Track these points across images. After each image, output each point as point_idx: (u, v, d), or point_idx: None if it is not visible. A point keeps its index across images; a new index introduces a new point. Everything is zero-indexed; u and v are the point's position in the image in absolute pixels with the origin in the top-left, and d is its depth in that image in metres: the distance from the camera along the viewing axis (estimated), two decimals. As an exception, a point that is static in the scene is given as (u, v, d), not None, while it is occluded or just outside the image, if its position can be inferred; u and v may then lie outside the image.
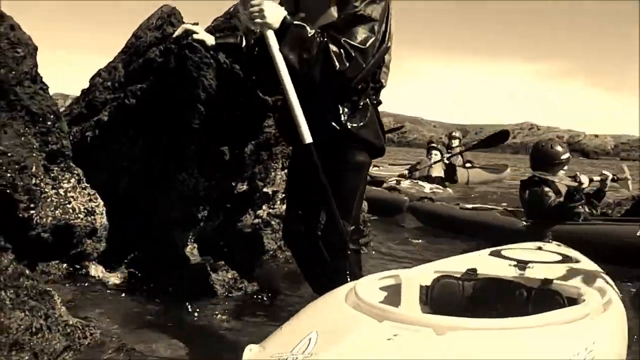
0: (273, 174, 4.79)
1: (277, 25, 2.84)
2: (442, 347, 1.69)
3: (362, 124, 3.04)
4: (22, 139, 3.70)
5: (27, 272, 3.02)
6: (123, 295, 4.00)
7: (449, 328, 1.76)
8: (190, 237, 4.12)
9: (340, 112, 2.98)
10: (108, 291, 4.06)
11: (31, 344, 2.73)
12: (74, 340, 2.93)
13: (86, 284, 4.07)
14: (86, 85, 5.14)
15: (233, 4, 4.52)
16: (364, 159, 3.14)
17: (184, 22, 4.91)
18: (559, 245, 3.44)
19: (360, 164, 3.12)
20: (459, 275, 2.72)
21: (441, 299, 2.67)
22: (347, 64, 2.80)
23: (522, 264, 2.89)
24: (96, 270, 4.13)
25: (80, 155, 4.50)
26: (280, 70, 2.78)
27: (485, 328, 1.78)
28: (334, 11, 2.94)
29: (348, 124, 3.00)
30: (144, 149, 4.26)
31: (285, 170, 4.89)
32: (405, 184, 10.01)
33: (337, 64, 2.79)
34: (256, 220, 4.76)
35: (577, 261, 3.08)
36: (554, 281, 2.55)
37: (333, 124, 2.98)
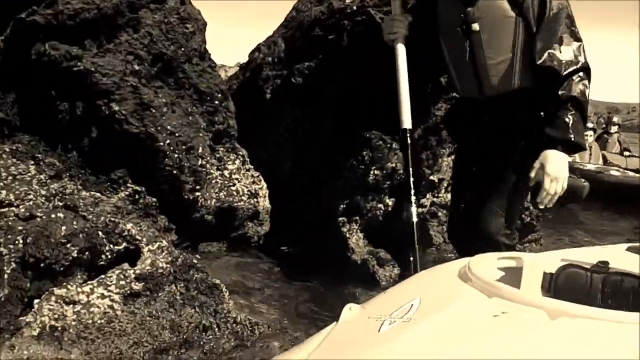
0: (440, 160, 4.44)
1: None
2: (552, 332, 1.52)
3: None
4: (190, 118, 3.58)
5: (195, 261, 2.86)
6: (283, 282, 3.83)
7: (565, 313, 1.57)
8: (356, 227, 3.87)
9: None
10: (267, 278, 3.91)
11: (201, 342, 2.59)
12: (243, 339, 2.76)
13: (246, 269, 3.94)
14: (239, 56, 5.01)
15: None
16: None
17: (345, -6, 4.65)
18: None
19: None
20: (587, 267, 2.35)
21: (566, 289, 2.33)
22: None
23: None
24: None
25: (242, 133, 4.37)
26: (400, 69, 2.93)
27: (605, 319, 1.58)
28: None
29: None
30: (310, 132, 4.03)
31: (452, 157, 4.55)
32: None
33: None
34: (420, 210, 4.44)
35: None
36: None
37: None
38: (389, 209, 3.86)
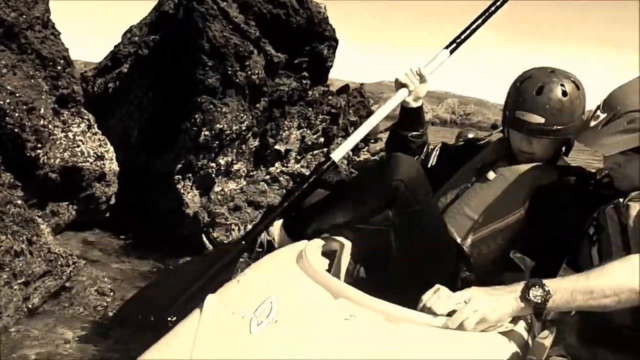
0: (287, 132, 4.82)
1: None
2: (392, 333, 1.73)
3: None
4: (32, 81, 3.82)
5: (18, 201, 3.14)
6: (123, 236, 4.19)
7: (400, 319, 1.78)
8: (190, 184, 4.19)
9: None
10: (109, 233, 4.24)
11: (12, 265, 2.86)
12: (56, 267, 3.05)
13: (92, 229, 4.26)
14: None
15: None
16: None
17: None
18: None
19: None
20: None
21: None
22: None
23: None
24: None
25: (102, 106, 4.66)
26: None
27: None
28: None
29: None
30: (154, 99, 4.37)
31: (301, 131, 4.96)
32: None
33: None
34: (267, 177, 4.81)
35: None
36: None
37: None
38: (221, 167, 4.21)
